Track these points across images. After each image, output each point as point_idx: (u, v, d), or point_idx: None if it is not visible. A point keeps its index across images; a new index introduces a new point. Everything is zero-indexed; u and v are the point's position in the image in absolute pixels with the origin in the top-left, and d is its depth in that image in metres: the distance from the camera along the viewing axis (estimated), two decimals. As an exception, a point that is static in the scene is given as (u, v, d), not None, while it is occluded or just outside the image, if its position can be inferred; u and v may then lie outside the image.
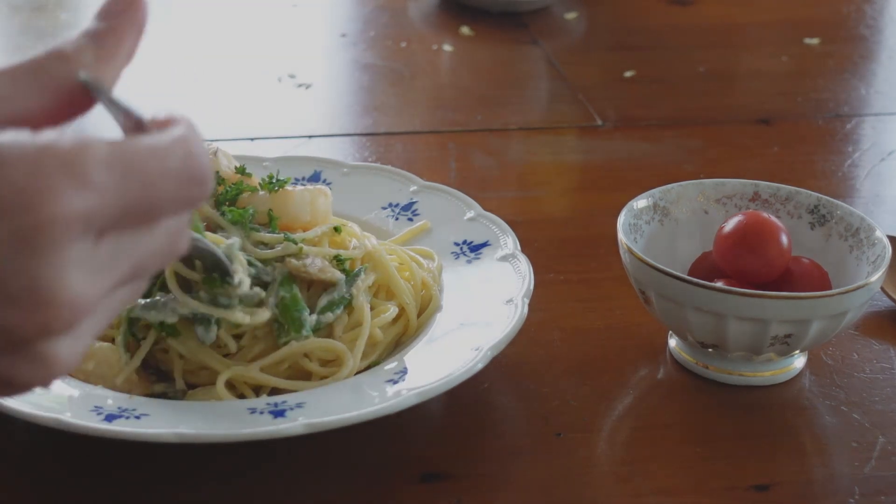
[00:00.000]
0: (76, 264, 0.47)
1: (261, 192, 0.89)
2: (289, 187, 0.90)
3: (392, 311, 0.88)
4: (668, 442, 0.86)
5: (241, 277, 0.74)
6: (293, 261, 0.86)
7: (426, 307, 0.91)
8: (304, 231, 0.89)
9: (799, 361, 0.92)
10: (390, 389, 0.81)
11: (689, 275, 0.91)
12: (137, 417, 0.78)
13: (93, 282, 0.48)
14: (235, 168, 0.92)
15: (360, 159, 1.23)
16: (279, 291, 0.84)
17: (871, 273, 0.88)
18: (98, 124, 0.58)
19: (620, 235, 0.90)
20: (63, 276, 0.47)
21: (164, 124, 0.52)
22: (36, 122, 0.51)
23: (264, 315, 0.77)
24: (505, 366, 0.91)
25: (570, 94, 1.39)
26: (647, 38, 1.57)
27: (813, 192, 0.96)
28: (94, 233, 0.48)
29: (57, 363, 0.49)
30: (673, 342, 0.94)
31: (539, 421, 0.86)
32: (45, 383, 0.50)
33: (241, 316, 0.76)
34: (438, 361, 0.83)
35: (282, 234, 0.87)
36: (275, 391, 0.84)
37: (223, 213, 0.87)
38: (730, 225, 0.91)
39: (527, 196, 1.19)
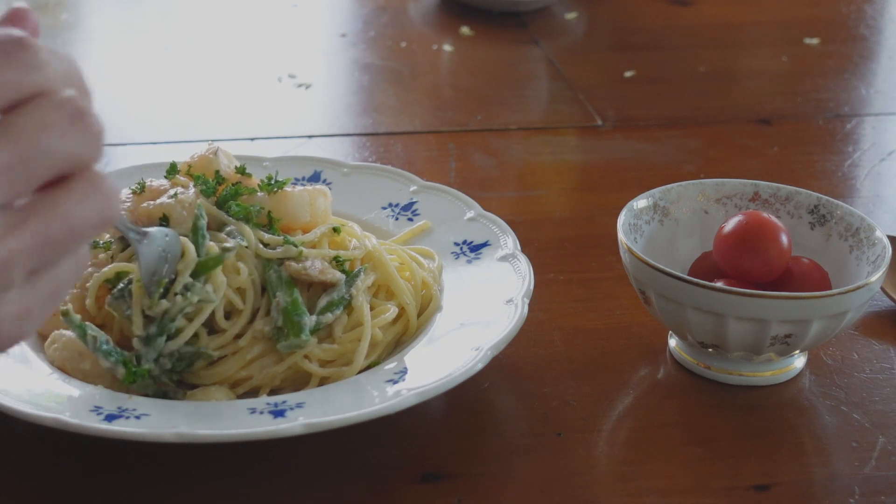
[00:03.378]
0: None
1: (259, 193, 0.89)
2: (288, 188, 0.90)
3: (392, 311, 0.88)
4: (668, 442, 0.86)
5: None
6: (293, 264, 0.86)
7: (426, 307, 0.91)
8: (304, 231, 0.89)
9: (799, 361, 0.92)
10: (390, 389, 0.81)
11: (689, 275, 0.91)
12: (137, 417, 0.78)
13: None
14: (235, 168, 0.92)
15: (360, 159, 1.23)
16: (279, 296, 0.85)
17: (871, 273, 0.88)
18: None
19: (620, 235, 0.90)
20: None
21: None
22: None
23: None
24: (505, 366, 0.91)
25: (570, 94, 1.39)
26: (647, 38, 1.57)
27: (813, 192, 0.96)
28: None
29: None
30: (673, 342, 0.94)
31: (539, 421, 0.87)
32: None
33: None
34: (438, 361, 0.83)
35: (282, 237, 0.87)
36: (275, 391, 0.85)
37: (228, 210, 0.88)
38: (730, 225, 0.91)
39: (527, 196, 1.19)
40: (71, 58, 0.52)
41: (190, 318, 0.83)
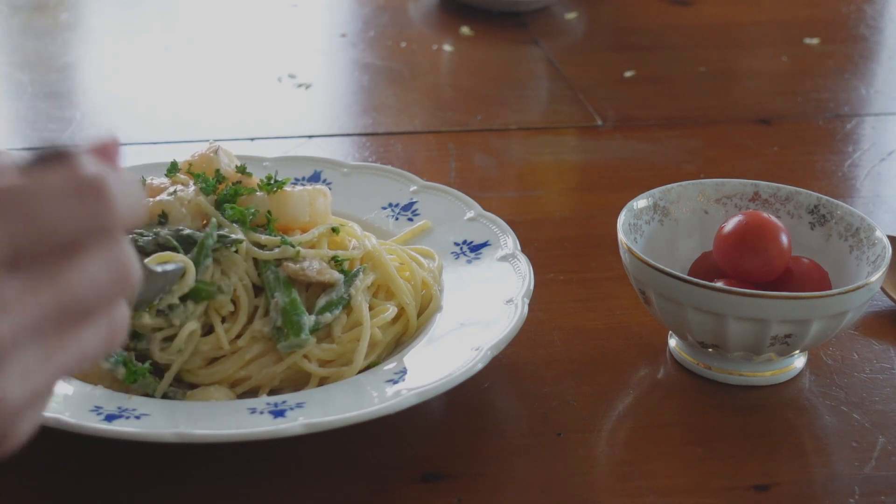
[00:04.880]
0: None
1: (259, 193, 0.89)
2: (288, 188, 0.90)
3: (392, 311, 0.88)
4: (668, 442, 0.86)
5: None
6: (291, 265, 0.86)
7: (426, 307, 0.91)
8: (303, 232, 0.89)
9: (799, 361, 0.92)
10: (390, 389, 0.81)
11: (689, 275, 0.91)
12: (137, 417, 0.78)
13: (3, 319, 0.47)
14: (236, 167, 0.92)
15: (360, 159, 1.23)
16: (278, 296, 0.85)
17: (871, 273, 0.88)
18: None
19: (620, 235, 0.90)
20: None
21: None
22: None
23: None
24: (505, 366, 0.91)
25: (570, 94, 1.39)
26: (647, 38, 1.57)
27: (813, 192, 0.96)
28: None
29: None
30: (673, 342, 0.94)
31: (539, 421, 0.86)
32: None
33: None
34: (438, 361, 0.83)
35: (279, 238, 0.87)
36: (274, 391, 0.85)
37: (224, 211, 0.87)
38: (730, 225, 0.91)
39: (527, 196, 1.19)
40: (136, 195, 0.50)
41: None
